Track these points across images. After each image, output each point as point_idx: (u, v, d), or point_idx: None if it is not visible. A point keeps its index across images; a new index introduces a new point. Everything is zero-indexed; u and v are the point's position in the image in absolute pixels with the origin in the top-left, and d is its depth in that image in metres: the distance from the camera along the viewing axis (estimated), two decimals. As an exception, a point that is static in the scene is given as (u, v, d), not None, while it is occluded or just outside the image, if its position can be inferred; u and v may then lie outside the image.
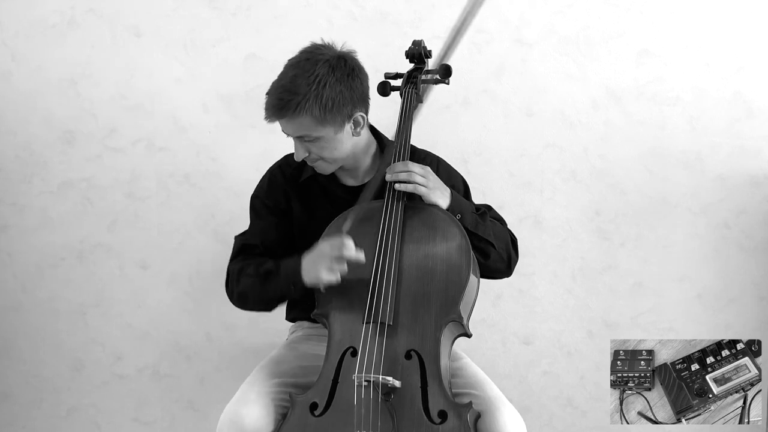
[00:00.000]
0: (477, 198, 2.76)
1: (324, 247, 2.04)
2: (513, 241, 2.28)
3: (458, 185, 2.31)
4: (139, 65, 2.84)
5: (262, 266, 2.17)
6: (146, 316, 2.91)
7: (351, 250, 2.01)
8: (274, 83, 2.11)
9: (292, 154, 2.32)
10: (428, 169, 2.15)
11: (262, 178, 2.33)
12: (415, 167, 2.11)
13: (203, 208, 2.87)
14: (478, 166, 2.83)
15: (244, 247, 2.28)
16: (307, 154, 2.14)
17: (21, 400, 2.95)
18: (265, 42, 2.81)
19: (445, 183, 2.21)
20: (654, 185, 2.82)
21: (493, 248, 2.18)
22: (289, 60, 2.14)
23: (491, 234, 2.19)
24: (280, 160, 2.34)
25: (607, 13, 2.78)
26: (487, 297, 2.85)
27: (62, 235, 2.89)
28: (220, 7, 2.82)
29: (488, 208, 2.30)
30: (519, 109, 2.82)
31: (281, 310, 2.38)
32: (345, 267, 2.02)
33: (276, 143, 2.77)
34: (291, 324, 2.45)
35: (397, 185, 2.09)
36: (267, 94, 2.10)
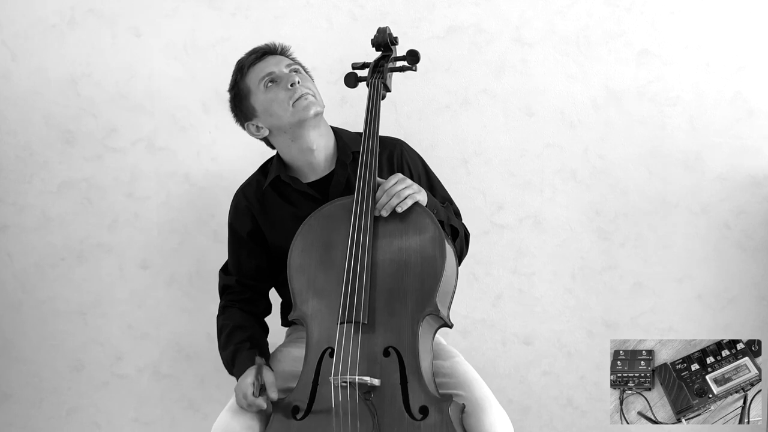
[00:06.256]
0: (477, 198, 2.77)
1: (237, 391, 2.12)
2: (467, 236, 2.31)
3: (420, 164, 2.35)
4: (139, 65, 2.84)
5: (228, 347, 2.25)
6: (146, 316, 2.91)
7: (250, 408, 2.07)
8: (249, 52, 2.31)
9: (254, 174, 2.38)
10: (399, 175, 2.13)
11: (231, 204, 2.37)
12: (397, 186, 2.09)
13: (203, 208, 2.87)
14: (478, 166, 2.83)
15: (224, 288, 2.37)
16: (299, 80, 2.23)
17: (21, 400, 2.95)
18: (264, 42, 2.80)
19: (413, 164, 2.30)
20: (654, 185, 2.82)
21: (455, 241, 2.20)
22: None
23: (460, 227, 2.25)
24: (243, 183, 2.39)
25: (607, 13, 2.78)
26: (487, 297, 2.85)
27: (62, 235, 2.89)
28: (220, 7, 2.82)
29: (450, 202, 2.33)
30: (519, 109, 2.82)
31: (276, 315, 2.40)
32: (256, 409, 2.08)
33: (276, 143, 2.77)
34: (286, 329, 2.46)
35: (398, 209, 2.07)
36: (250, 52, 2.30)
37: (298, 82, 2.21)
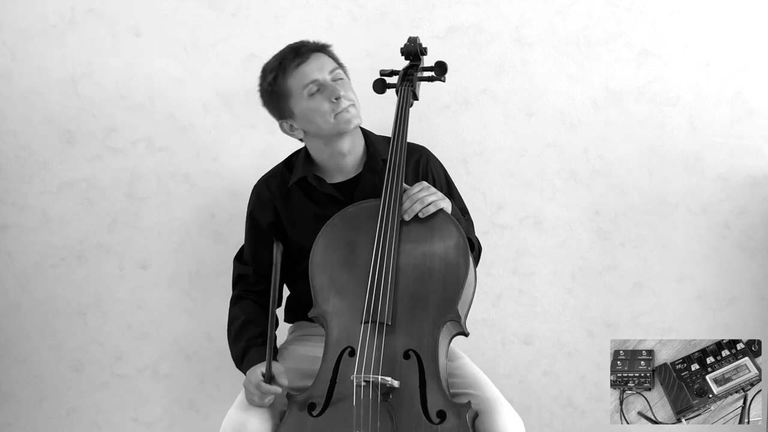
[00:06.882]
0: (477, 198, 2.77)
1: (246, 385, 2.12)
2: (480, 249, 2.33)
3: (442, 173, 2.37)
4: (139, 65, 2.84)
5: (239, 341, 2.25)
6: (146, 316, 2.91)
7: (261, 400, 2.09)
8: (275, 55, 2.24)
9: (278, 166, 2.37)
10: (424, 182, 2.16)
11: (251, 195, 2.36)
12: (421, 193, 2.12)
13: (203, 208, 2.87)
14: (478, 166, 2.83)
15: (239, 278, 2.35)
16: (343, 92, 2.18)
17: (21, 400, 2.95)
18: (265, 42, 2.80)
19: (436, 172, 2.30)
20: (654, 185, 2.82)
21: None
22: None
23: (476, 241, 2.27)
24: (265, 175, 2.37)
25: (607, 13, 2.78)
26: (487, 297, 2.85)
27: (62, 235, 2.89)
28: (220, 7, 2.82)
29: (468, 213, 2.37)
30: (519, 109, 2.82)
31: (280, 310, 2.40)
32: (267, 400, 2.09)
33: (276, 143, 2.78)
34: (289, 325, 2.46)
35: (420, 214, 2.10)
36: (276, 59, 2.22)
37: (342, 96, 2.18)
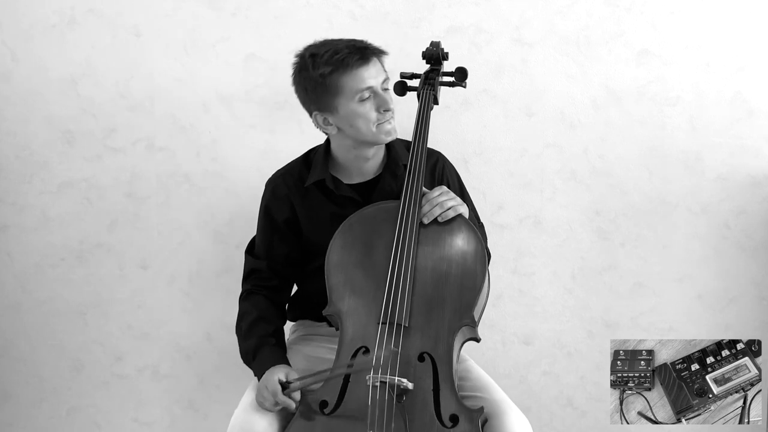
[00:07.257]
0: (477, 198, 2.76)
1: (261, 388, 2.10)
2: (490, 256, 2.33)
3: (456, 179, 2.37)
4: (139, 65, 2.84)
5: (250, 337, 2.22)
6: (146, 316, 2.91)
7: (272, 406, 2.07)
8: (329, 46, 2.14)
9: (295, 162, 2.35)
10: (444, 187, 2.18)
11: (266, 189, 2.34)
12: (441, 197, 2.13)
13: (203, 208, 2.87)
14: (478, 166, 2.83)
15: (252, 272, 2.32)
16: (392, 105, 2.17)
17: (21, 400, 2.95)
18: (265, 42, 2.81)
19: (451, 178, 2.30)
20: (654, 185, 2.82)
21: None
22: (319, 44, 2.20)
23: (487, 249, 2.26)
24: (281, 170, 2.35)
25: (607, 13, 2.78)
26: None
27: (62, 235, 2.89)
28: (220, 7, 2.82)
29: (479, 220, 2.37)
30: (519, 109, 2.82)
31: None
32: (277, 408, 2.07)
33: (276, 143, 2.78)
34: (292, 323, 2.45)
35: (440, 218, 2.11)
36: (336, 53, 2.11)
37: (390, 108, 2.17)
